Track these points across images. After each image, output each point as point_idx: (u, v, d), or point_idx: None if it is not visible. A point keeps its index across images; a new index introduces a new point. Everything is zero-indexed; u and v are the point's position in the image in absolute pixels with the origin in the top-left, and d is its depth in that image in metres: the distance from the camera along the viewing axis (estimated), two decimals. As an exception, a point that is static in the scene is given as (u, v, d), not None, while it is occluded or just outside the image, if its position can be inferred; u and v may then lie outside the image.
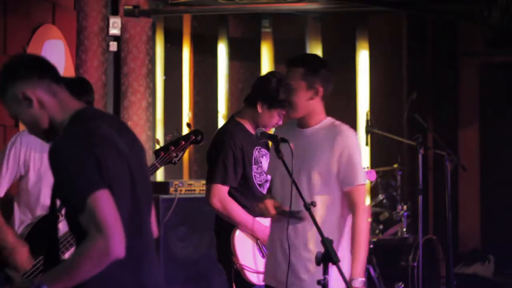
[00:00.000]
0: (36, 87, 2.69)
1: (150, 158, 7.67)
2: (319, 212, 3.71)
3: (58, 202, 2.71)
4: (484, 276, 8.07)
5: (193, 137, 4.31)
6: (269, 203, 3.93)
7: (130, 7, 7.60)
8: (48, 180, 4.01)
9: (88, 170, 2.53)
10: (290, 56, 3.97)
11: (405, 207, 7.15)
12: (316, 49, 8.78)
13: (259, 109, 4.52)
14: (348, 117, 8.71)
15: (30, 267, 3.77)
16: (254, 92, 4.59)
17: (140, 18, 7.63)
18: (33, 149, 4.09)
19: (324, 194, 3.74)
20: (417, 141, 6.48)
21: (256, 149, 4.57)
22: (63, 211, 3.96)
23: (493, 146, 8.63)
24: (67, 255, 3.71)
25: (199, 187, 6.32)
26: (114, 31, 7.51)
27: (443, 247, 6.88)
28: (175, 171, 8.36)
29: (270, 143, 4.33)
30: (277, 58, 8.65)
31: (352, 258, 3.70)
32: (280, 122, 4.49)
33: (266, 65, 8.69)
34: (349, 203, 3.80)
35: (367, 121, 7.41)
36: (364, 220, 3.78)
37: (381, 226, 7.60)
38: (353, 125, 8.56)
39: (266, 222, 4.28)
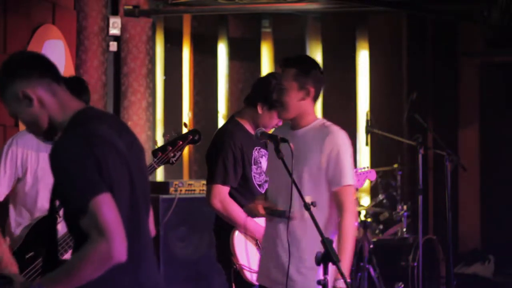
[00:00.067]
0: (36, 86, 2.67)
1: (149, 159, 7.70)
2: (307, 212, 3.72)
3: (57, 203, 2.70)
4: (484, 276, 8.07)
5: (191, 137, 4.30)
6: (258, 203, 3.96)
7: (130, 7, 7.60)
8: (46, 182, 4.00)
9: (89, 173, 2.52)
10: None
11: (405, 207, 7.16)
12: (316, 49, 8.78)
13: (259, 110, 4.53)
14: (348, 117, 8.75)
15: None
16: (254, 93, 4.59)
17: (140, 18, 7.63)
18: (30, 151, 4.06)
19: (313, 195, 3.73)
20: (417, 141, 6.48)
21: (256, 149, 4.57)
22: (61, 212, 3.96)
23: (493, 146, 8.63)
24: (66, 257, 3.70)
25: (199, 187, 6.32)
26: (114, 31, 7.51)
27: (443, 247, 6.88)
28: (175, 171, 8.36)
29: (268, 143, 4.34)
30: (277, 58, 8.65)
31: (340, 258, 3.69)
32: (280, 123, 4.49)
33: (266, 65, 8.69)
34: (336, 204, 3.80)
35: (367, 121, 7.41)
36: (351, 222, 3.77)
37: (381, 226, 7.60)
38: (353, 125, 8.59)
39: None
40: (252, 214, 4.09)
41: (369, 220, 6.86)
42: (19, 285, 2.71)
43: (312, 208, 3.38)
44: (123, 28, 7.57)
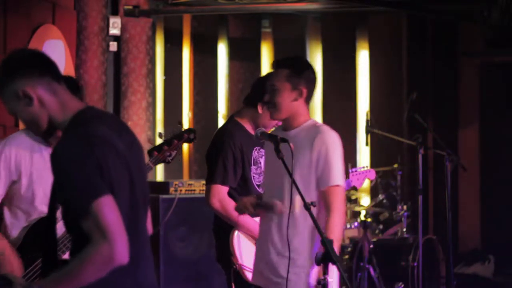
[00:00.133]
0: (37, 84, 2.65)
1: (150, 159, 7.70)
2: (297, 212, 3.75)
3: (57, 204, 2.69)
4: (484, 276, 8.07)
5: (186, 136, 4.28)
6: (247, 200, 3.98)
7: (130, 7, 7.60)
8: (41, 183, 3.98)
9: (91, 175, 2.52)
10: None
11: (405, 207, 7.16)
12: (316, 49, 8.79)
13: (260, 110, 4.53)
14: (348, 117, 8.76)
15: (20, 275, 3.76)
16: (254, 93, 4.59)
17: (140, 18, 7.63)
18: (23, 153, 4.00)
19: (304, 194, 3.74)
20: (417, 141, 6.48)
21: (256, 149, 4.57)
22: (58, 213, 3.95)
23: (493, 146, 8.63)
24: (64, 257, 3.69)
25: (199, 187, 6.32)
26: (114, 31, 7.51)
27: (443, 247, 6.88)
28: (175, 171, 8.37)
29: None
30: (277, 58, 8.64)
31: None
32: (280, 123, 4.49)
33: (266, 65, 8.69)
34: (324, 204, 3.80)
35: (367, 121, 7.41)
36: (338, 222, 3.75)
37: (381, 226, 7.61)
38: (353, 125, 8.60)
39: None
40: (241, 211, 4.10)
41: (369, 220, 6.86)
42: (19, 286, 2.70)
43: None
44: (123, 28, 7.57)
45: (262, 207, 3.95)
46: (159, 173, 8.10)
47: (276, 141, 3.62)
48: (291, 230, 3.76)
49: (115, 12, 7.59)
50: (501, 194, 8.46)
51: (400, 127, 8.29)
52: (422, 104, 8.05)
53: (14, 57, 2.72)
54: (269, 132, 4.26)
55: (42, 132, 2.72)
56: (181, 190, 6.27)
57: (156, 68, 8.14)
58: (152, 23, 7.80)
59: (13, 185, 4.01)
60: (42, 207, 3.95)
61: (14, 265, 3.77)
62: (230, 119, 4.71)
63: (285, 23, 8.81)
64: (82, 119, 2.66)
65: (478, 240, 8.62)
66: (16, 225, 3.97)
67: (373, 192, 8.27)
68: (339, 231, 3.76)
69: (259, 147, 4.57)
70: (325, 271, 3.17)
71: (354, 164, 7.90)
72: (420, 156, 6.39)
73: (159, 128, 8.13)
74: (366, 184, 8.12)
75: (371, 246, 6.62)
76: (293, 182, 3.50)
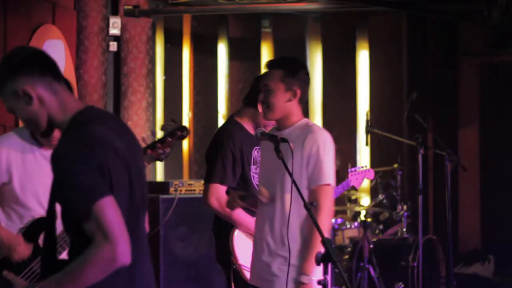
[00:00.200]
0: (37, 83, 2.63)
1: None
2: (287, 211, 3.77)
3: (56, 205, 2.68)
4: (484, 276, 8.07)
5: (179, 133, 4.27)
6: (235, 194, 4.03)
7: (130, 7, 7.60)
8: (33, 184, 3.96)
9: (92, 176, 2.51)
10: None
11: (405, 207, 7.16)
12: (316, 49, 8.79)
13: (260, 109, 4.52)
14: (348, 117, 8.76)
15: (29, 254, 3.76)
16: (253, 92, 4.58)
17: (140, 18, 7.63)
18: (14, 154, 3.96)
19: (295, 196, 3.74)
20: (417, 141, 6.48)
21: (255, 149, 4.56)
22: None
23: (493, 146, 8.63)
24: (62, 256, 3.69)
25: (199, 187, 6.32)
26: (114, 31, 7.51)
27: (443, 247, 6.88)
28: (175, 171, 8.37)
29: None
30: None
31: (305, 255, 3.72)
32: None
33: (266, 65, 8.68)
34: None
35: (367, 121, 7.42)
36: (326, 221, 3.76)
37: (381, 226, 7.60)
38: (353, 125, 8.60)
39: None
40: (231, 205, 4.11)
41: (369, 220, 6.86)
42: (20, 287, 2.69)
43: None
44: (123, 28, 7.57)
45: (248, 198, 3.98)
46: (159, 173, 8.10)
47: (276, 141, 3.64)
48: (283, 229, 3.78)
49: (115, 12, 7.59)
50: (501, 194, 8.46)
51: (400, 127, 8.29)
52: (422, 104, 8.04)
53: (16, 55, 2.69)
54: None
55: (41, 132, 2.71)
56: (181, 190, 6.27)
57: (156, 68, 8.14)
58: (152, 23, 7.80)
59: (4, 186, 3.98)
60: (35, 208, 3.94)
61: (25, 250, 3.77)
62: (230, 119, 4.71)
63: (285, 23, 8.81)
64: (82, 119, 2.65)
65: (478, 240, 8.62)
66: (11, 227, 3.95)
67: (373, 192, 8.28)
68: (326, 229, 3.78)
69: (258, 147, 4.57)
70: (325, 271, 3.17)
71: (354, 164, 7.90)
72: (420, 156, 6.40)
73: (159, 128, 8.12)
74: (366, 184, 8.13)
75: (371, 246, 6.63)
76: (293, 182, 3.52)
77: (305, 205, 3.41)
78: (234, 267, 4.39)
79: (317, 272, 3.63)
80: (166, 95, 8.30)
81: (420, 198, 6.39)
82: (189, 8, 8.17)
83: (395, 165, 7.61)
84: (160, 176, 8.08)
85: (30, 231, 3.89)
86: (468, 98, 8.71)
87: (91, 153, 2.54)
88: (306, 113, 8.63)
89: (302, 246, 3.75)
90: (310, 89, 8.67)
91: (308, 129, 3.88)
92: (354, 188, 6.05)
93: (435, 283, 7.00)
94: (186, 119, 8.61)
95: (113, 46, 7.56)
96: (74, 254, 2.59)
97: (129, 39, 7.58)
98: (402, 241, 7.01)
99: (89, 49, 7.19)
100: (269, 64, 3.97)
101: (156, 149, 4.12)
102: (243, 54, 8.94)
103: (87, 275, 2.48)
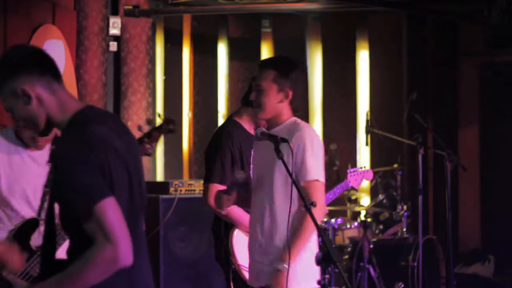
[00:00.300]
0: (36, 83, 2.62)
1: (150, 158, 7.71)
2: (277, 208, 3.81)
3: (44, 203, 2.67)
4: (484, 276, 8.07)
5: (166, 127, 4.25)
6: (219, 193, 4.05)
7: (130, 7, 7.60)
8: (21, 185, 3.95)
9: (93, 176, 2.51)
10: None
11: (405, 207, 7.16)
12: (316, 49, 8.79)
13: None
14: (348, 117, 8.76)
15: (24, 266, 3.74)
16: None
17: (140, 18, 7.63)
18: (1, 155, 3.98)
19: (282, 191, 3.80)
20: (417, 141, 6.48)
21: (255, 149, 4.57)
22: (43, 214, 3.94)
23: (493, 146, 8.63)
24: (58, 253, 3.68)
25: (199, 187, 6.32)
26: (114, 31, 7.51)
27: (443, 247, 6.88)
28: (175, 171, 8.37)
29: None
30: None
31: (289, 245, 3.73)
32: None
33: (266, 65, 8.67)
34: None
35: (367, 121, 7.41)
36: (316, 215, 3.76)
37: (381, 226, 7.60)
38: (353, 125, 8.60)
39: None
40: (221, 206, 4.12)
41: (369, 220, 6.86)
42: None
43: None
44: (123, 28, 7.57)
45: (230, 192, 4.01)
46: (159, 173, 8.10)
47: (276, 141, 3.65)
48: (272, 224, 3.82)
49: (115, 12, 7.59)
50: (501, 194, 8.46)
51: (400, 127, 8.29)
52: (422, 104, 8.05)
53: (15, 54, 2.68)
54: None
55: (40, 132, 2.70)
56: (181, 190, 6.27)
57: (156, 68, 8.14)
58: (152, 23, 7.80)
59: None
60: (23, 209, 3.93)
61: (16, 257, 3.75)
62: (229, 119, 4.72)
63: (285, 23, 8.81)
64: (82, 119, 2.64)
65: (478, 240, 8.61)
66: (1, 229, 3.95)
67: (373, 192, 8.27)
68: (312, 224, 3.76)
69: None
70: (325, 271, 3.17)
71: (354, 164, 7.90)
72: (420, 156, 6.40)
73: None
74: (366, 184, 8.13)
75: (371, 246, 6.62)
76: (293, 182, 3.53)
77: (305, 205, 3.41)
78: (233, 267, 4.39)
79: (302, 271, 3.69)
80: (166, 95, 8.30)
81: (420, 198, 6.39)
82: (189, 8, 8.17)
83: (395, 165, 7.61)
84: (160, 176, 8.08)
85: (22, 232, 3.89)
86: (468, 98, 8.71)
87: (91, 153, 2.54)
88: (306, 113, 8.66)
89: (290, 238, 3.76)
90: (310, 89, 8.77)
91: (296, 127, 3.89)
92: (353, 188, 6.05)
93: (435, 283, 7.00)
94: (186, 119, 8.61)
95: (113, 46, 7.55)
96: (74, 254, 2.59)
97: (129, 39, 7.58)
98: (402, 241, 7.01)
99: (89, 49, 7.19)
100: (262, 64, 3.99)
101: (143, 144, 4.10)
102: (243, 54, 8.94)
103: (88, 276, 2.48)
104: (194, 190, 6.35)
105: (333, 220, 6.92)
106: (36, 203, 3.94)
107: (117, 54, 7.62)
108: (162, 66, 8.28)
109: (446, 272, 6.89)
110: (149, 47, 7.70)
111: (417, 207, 6.50)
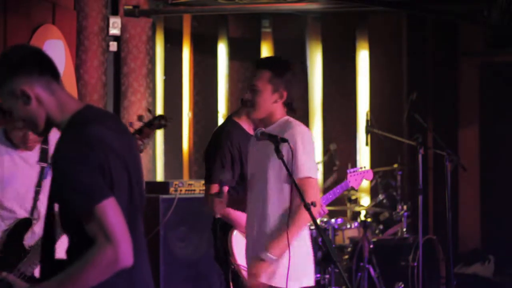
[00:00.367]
0: (35, 83, 2.62)
1: (150, 158, 7.71)
2: (270, 205, 3.83)
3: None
4: (484, 276, 8.07)
5: (157, 123, 4.25)
6: (217, 201, 4.06)
7: (130, 7, 7.60)
8: (12, 186, 3.95)
9: (93, 176, 2.50)
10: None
11: (405, 207, 7.16)
12: (316, 49, 8.79)
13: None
14: (348, 117, 8.76)
15: None
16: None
17: (140, 18, 7.63)
18: None
19: (276, 189, 3.82)
20: (417, 141, 6.48)
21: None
22: (35, 214, 3.94)
23: (493, 146, 8.63)
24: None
25: (199, 187, 6.32)
26: (114, 31, 7.51)
27: (443, 247, 6.88)
28: (175, 171, 8.37)
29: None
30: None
31: (276, 236, 3.76)
32: None
33: (266, 65, 8.67)
34: (296, 195, 3.82)
35: (367, 121, 7.41)
36: (305, 214, 3.72)
37: (381, 226, 7.60)
38: (353, 125, 8.60)
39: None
40: (216, 211, 4.14)
41: (369, 220, 6.86)
42: None
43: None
44: (123, 28, 7.56)
45: (222, 192, 4.03)
46: (159, 173, 8.10)
47: (276, 141, 3.65)
48: (264, 221, 3.83)
49: (115, 12, 7.59)
50: (501, 194, 8.46)
51: (400, 127, 8.29)
52: (422, 104, 8.04)
53: (15, 54, 2.67)
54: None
55: (39, 132, 2.70)
56: (181, 190, 6.27)
57: (156, 68, 8.14)
58: (152, 23, 7.80)
59: None
60: (15, 209, 3.93)
61: None
62: (228, 119, 4.72)
63: (285, 23, 8.81)
64: (81, 119, 2.64)
65: (478, 240, 8.61)
66: None
67: (373, 192, 8.27)
68: (303, 220, 3.77)
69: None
70: (325, 271, 3.18)
71: (354, 164, 7.90)
72: (420, 156, 6.40)
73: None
74: (366, 184, 8.13)
75: (371, 246, 6.63)
76: (293, 182, 3.53)
77: (305, 205, 3.42)
78: (233, 267, 4.40)
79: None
80: (166, 95, 8.30)
81: (420, 198, 6.39)
82: (189, 8, 8.17)
83: (395, 165, 7.61)
84: (160, 176, 8.08)
85: (15, 232, 3.89)
86: (468, 98, 8.71)
87: (91, 152, 2.53)
88: (306, 113, 8.66)
89: (277, 231, 3.77)
90: (310, 89, 8.77)
91: (287, 125, 3.91)
92: (353, 188, 6.05)
93: (435, 283, 7.00)
94: (186, 119, 8.61)
95: (113, 46, 7.55)
96: (73, 254, 2.59)
97: (129, 39, 7.58)
98: (402, 241, 7.01)
99: (89, 49, 7.19)
100: (258, 64, 4.00)
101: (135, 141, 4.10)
102: (243, 54, 8.94)
103: (89, 277, 2.48)
104: (194, 190, 6.35)
105: (333, 220, 6.92)
106: (28, 203, 3.95)
107: (117, 54, 7.62)
108: (162, 66, 8.28)
109: (446, 272, 6.89)
110: (149, 47, 7.70)
111: (417, 207, 6.50)
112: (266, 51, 8.78)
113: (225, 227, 4.48)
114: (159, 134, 8.11)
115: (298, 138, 3.83)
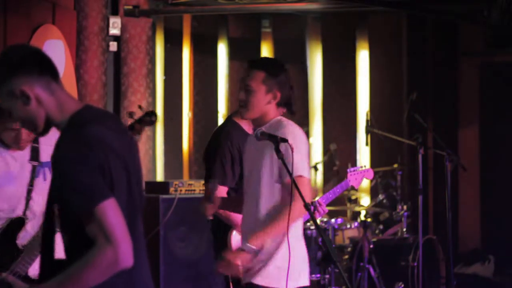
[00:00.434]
0: (35, 83, 2.61)
1: (150, 158, 7.71)
2: (263, 204, 3.83)
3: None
4: (484, 276, 8.07)
5: (148, 119, 4.24)
6: (209, 207, 4.11)
7: (130, 7, 7.60)
8: (3, 187, 3.95)
9: (93, 176, 2.50)
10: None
11: (405, 207, 7.16)
12: (316, 49, 8.79)
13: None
14: (348, 117, 8.76)
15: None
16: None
17: (140, 18, 7.63)
18: None
19: (269, 187, 3.82)
20: (417, 141, 6.48)
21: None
22: (28, 213, 3.93)
23: (493, 146, 8.63)
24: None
25: (199, 187, 6.32)
26: (114, 31, 7.51)
27: (443, 247, 6.88)
28: (175, 171, 8.37)
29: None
30: (277, 58, 8.64)
31: (261, 229, 3.76)
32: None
33: (266, 65, 8.67)
34: (288, 194, 3.81)
35: (367, 121, 7.41)
36: (297, 212, 3.73)
37: (381, 226, 7.61)
38: (353, 125, 8.60)
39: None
40: (207, 215, 4.18)
41: (369, 220, 6.86)
42: None
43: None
44: (123, 28, 7.57)
45: (212, 196, 4.10)
46: (159, 173, 8.10)
47: (276, 141, 3.65)
48: (257, 219, 3.83)
49: (115, 12, 7.59)
50: (501, 194, 8.46)
51: (400, 127, 8.29)
52: (422, 104, 8.05)
53: (15, 54, 2.67)
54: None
55: (39, 132, 2.70)
56: (181, 190, 6.27)
57: (156, 68, 8.14)
58: (152, 23, 7.80)
59: None
60: (7, 209, 3.93)
61: None
62: (228, 119, 4.72)
63: (285, 23, 8.81)
64: (81, 119, 2.63)
65: (478, 240, 8.62)
66: None
67: (373, 192, 8.28)
68: (296, 216, 3.76)
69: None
70: (324, 271, 3.18)
71: (354, 164, 7.90)
72: (420, 156, 6.40)
73: (159, 128, 8.13)
74: (366, 184, 8.13)
75: (371, 246, 6.62)
76: (293, 182, 3.53)
77: (305, 205, 3.42)
78: (233, 267, 4.39)
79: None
80: (166, 95, 8.30)
81: (420, 198, 6.39)
82: (189, 8, 8.17)
83: (395, 165, 7.61)
84: (160, 176, 8.08)
85: (8, 232, 3.89)
86: (468, 98, 8.71)
87: (91, 152, 2.53)
88: (306, 113, 8.67)
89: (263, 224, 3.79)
90: (310, 89, 8.77)
91: (279, 125, 3.91)
92: (353, 188, 6.05)
93: (435, 283, 7.00)
94: (186, 119, 8.61)
95: (113, 46, 7.55)
96: (73, 254, 2.59)
97: (129, 39, 7.58)
98: (402, 241, 7.01)
99: (89, 49, 7.19)
100: (252, 64, 4.00)
101: None
102: (243, 54, 8.93)
103: (89, 278, 2.48)
104: (194, 190, 6.35)
105: (333, 220, 6.92)
106: (21, 202, 3.95)
107: (117, 54, 7.62)
108: (162, 66, 8.28)
109: (446, 272, 6.89)
110: (149, 47, 7.70)
111: (417, 207, 6.50)
112: (266, 51, 8.79)
113: (225, 227, 4.48)
114: (159, 134, 8.11)
115: (289, 137, 3.82)
